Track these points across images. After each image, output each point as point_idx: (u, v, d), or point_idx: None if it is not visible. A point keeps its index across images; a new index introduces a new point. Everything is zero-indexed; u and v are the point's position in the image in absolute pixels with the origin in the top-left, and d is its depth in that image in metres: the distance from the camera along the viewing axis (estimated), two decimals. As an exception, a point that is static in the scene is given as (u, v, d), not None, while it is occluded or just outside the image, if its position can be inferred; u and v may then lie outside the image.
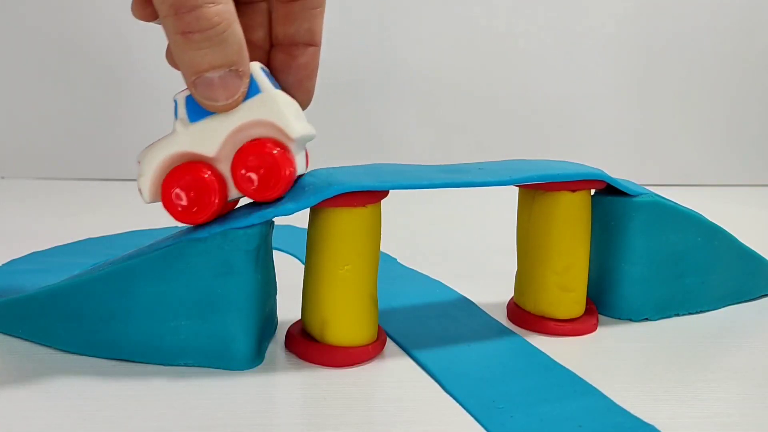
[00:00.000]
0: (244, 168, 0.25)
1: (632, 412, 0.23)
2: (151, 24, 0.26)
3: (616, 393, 0.24)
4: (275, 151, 0.24)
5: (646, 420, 0.23)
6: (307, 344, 0.27)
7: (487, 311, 0.33)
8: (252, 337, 0.26)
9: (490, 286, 0.35)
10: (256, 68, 0.25)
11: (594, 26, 0.77)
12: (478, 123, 0.77)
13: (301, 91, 0.29)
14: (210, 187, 0.25)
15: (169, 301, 0.25)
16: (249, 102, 0.25)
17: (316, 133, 0.27)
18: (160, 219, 0.47)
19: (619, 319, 0.32)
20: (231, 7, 0.23)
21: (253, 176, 0.25)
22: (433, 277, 0.38)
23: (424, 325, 0.31)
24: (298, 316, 0.28)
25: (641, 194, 0.31)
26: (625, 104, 0.79)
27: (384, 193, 0.26)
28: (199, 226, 0.25)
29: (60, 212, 0.56)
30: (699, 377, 0.26)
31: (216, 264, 0.24)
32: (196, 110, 0.25)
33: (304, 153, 0.26)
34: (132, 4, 0.25)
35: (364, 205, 0.26)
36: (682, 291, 0.32)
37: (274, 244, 0.28)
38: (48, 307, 0.26)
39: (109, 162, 0.73)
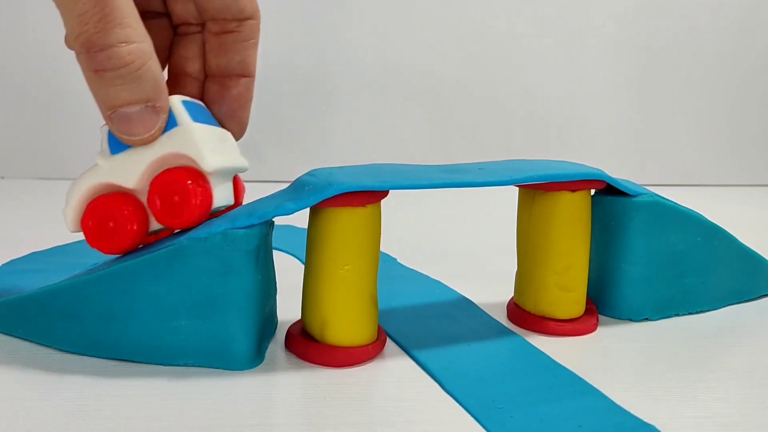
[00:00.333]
0: (156, 196, 0.25)
1: (632, 412, 0.23)
2: None
3: (616, 393, 0.24)
4: (189, 182, 0.25)
5: (646, 420, 0.23)
6: (307, 344, 0.27)
7: (487, 311, 0.33)
8: (252, 337, 0.26)
9: (490, 286, 0.35)
10: (176, 101, 0.25)
11: (594, 26, 0.77)
12: (478, 123, 0.77)
13: (234, 121, 0.29)
14: (126, 218, 0.26)
15: (169, 301, 0.25)
16: (167, 134, 0.25)
17: (248, 165, 0.28)
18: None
19: (619, 319, 0.32)
20: (146, 45, 0.23)
21: (162, 203, 0.25)
22: (433, 277, 0.38)
23: (424, 325, 0.31)
24: (298, 316, 0.28)
25: (641, 194, 0.31)
26: (625, 104, 0.79)
27: (384, 193, 0.26)
28: (199, 226, 0.25)
29: (60, 212, 0.56)
30: (699, 377, 0.26)
31: (216, 264, 0.24)
32: (117, 142, 0.25)
33: (229, 183, 0.27)
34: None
35: (364, 205, 0.26)
36: (682, 291, 0.32)
37: (274, 244, 0.28)
38: (48, 307, 0.26)
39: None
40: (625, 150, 0.79)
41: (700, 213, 0.32)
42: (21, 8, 0.72)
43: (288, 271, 0.31)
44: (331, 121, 0.75)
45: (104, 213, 0.26)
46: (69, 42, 0.24)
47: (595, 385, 0.25)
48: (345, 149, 0.75)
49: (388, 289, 0.34)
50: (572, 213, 0.29)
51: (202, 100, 0.29)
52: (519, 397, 0.24)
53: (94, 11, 0.22)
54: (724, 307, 0.34)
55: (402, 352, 0.28)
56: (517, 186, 0.30)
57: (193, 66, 0.29)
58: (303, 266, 0.27)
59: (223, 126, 0.29)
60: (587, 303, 0.32)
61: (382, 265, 0.29)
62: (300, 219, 0.28)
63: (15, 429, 0.21)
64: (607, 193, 0.32)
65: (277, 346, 0.28)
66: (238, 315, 0.25)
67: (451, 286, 0.36)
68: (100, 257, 0.31)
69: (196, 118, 0.26)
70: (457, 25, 0.75)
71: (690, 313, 0.33)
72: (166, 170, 0.25)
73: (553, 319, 0.30)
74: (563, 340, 0.30)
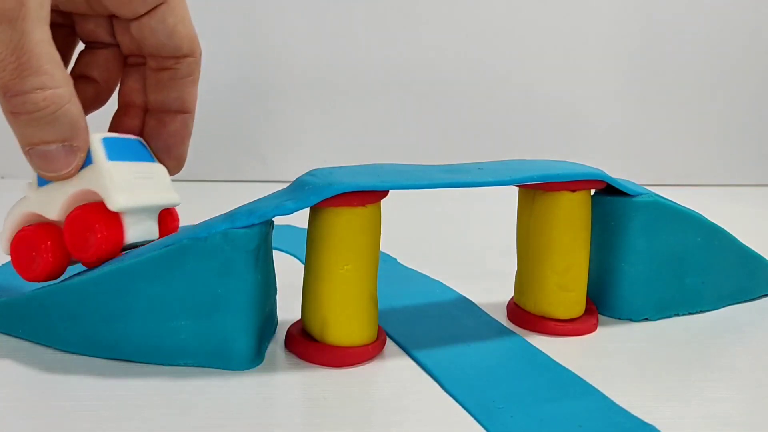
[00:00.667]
0: (67, 230, 0.26)
1: (632, 412, 0.23)
2: None
3: (616, 393, 0.24)
4: (93, 219, 0.26)
5: (646, 420, 0.23)
6: (307, 344, 0.27)
7: (487, 311, 0.33)
8: (252, 337, 0.26)
9: (490, 286, 0.35)
10: (95, 140, 0.26)
11: (594, 26, 0.77)
12: (478, 123, 0.77)
13: (170, 157, 0.30)
14: (46, 250, 0.27)
15: (169, 301, 0.25)
16: (83, 171, 0.26)
17: (178, 200, 0.29)
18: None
19: (619, 319, 0.32)
20: (63, 91, 0.24)
21: (71, 238, 0.26)
22: (433, 277, 0.38)
23: (424, 325, 0.31)
24: (298, 316, 0.28)
25: (641, 194, 0.31)
26: (625, 104, 0.79)
27: (384, 193, 0.26)
28: (199, 226, 0.25)
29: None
30: (699, 377, 0.26)
31: (216, 264, 0.24)
32: None
33: (150, 219, 0.28)
34: None
35: (363, 205, 0.26)
36: (682, 291, 0.32)
37: (274, 244, 0.28)
38: (48, 307, 0.26)
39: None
40: (625, 150, 0.79)
41: (700, 213, 0.32)
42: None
43: (288, 271, 0.31)
44: (331, 121, 0.74)
45: (27, 243, 0.27)
46: None
47: (595, 385, 0.25)
48: (345, 149, 0.75)
49: (388, 289, 0.34)
50: (572, 213, 0.29)
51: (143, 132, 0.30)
52: (519, 397, 0.24)
53: (11, 59, 0.23)
54: (724, 307, 0.34)
55: (402, 352, 0.28)
56: (517, 186, 0.30)
57: (139, 98, 0.30)
58: (303, 266, 0.27)
59: (160, 160, 0.29)
60: (587, 303, 0.32)
61: (382, 265, 0.29)
62: (300, 219, 0.28)
63: (15, 429, 0.21)
64: (607, 193, 0.32)
65: (277, 346, 0.28)
66: (238, 315, 0.25)
67: (451, 286, 0.36)
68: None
69: (117, 156, 0.27)
70: (458, 26, 0.75)
71: (690, 313, 0.33)
72: (78, 206, 0.26)
73: (553, 319, 0.30)
74: (563, 340, 0.30)
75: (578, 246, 0.30)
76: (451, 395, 0.24)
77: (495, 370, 0.26)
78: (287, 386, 0.25)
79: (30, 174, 0.27)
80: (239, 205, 0.26)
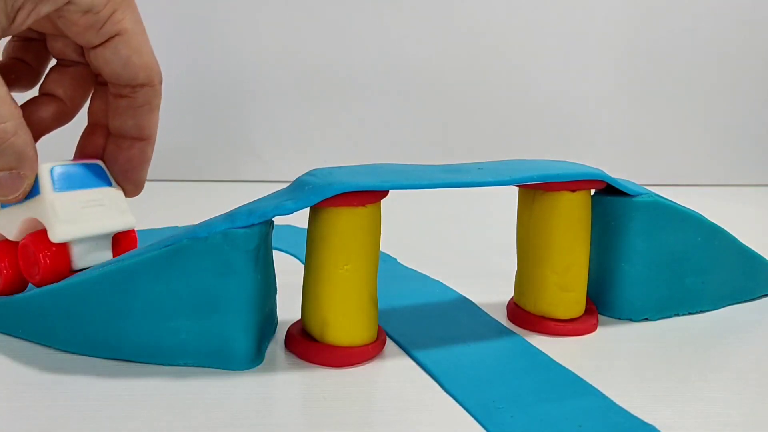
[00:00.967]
0: (19, 256, 0.28)
1: (632, 412, 0.23)
2: None
3: (616, 393, 0.24)
4: (37, 249, 0.27)
5: (646, 420, 0.23)
6: (307, 344, 0.27)
7: (487, 311, 0.33)
8: (252, 337, 0.26)
9: (490, 286, 0.35)
10: (44, 170, 0.27)
11: (594, 26, 0.77)
12: (478, 123, 0.77)
13: (127, 181, 0.30)
14: (2, 267, 0.28)
15: (169, 301, 0.25)
16: (31, 201, 0.27)
17: (130, 224, 0.30)
18: (161, 219, 0.47)
19: (619, 319, 0.32)
20: (8, 125, 0.25)
21: (22, 263, 0.28)
22: (433, 277, 0.38)
23: (424, 325, 0.31)
24: (298, 316, 0.28)
25: (641, 194, 0.31)
26: (624, 104, 0.79)
27: (384, 193, 0.26)
28: (199, 226, 0.25)
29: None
30: (699, 377, 0.26)
31: (216, 264, 0.24)
32: None
33: (101, 244, 0.29)
34: None
35: (363, 205, 0.26)
36: (682, 291, 0.32)
37: (274, 244, 0.28)
38: (48, 307, 0.26)
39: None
40: (625, 150, 0.79)
41: (700, 213, 0.32)
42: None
43: (288, 271, 0.31)
44: (331, 121, 0.74)
45: None
46: None
47: (595, 385, 0.25)
48: (345, 149, 0.75)
49: (388, 289, 0.34)
50: (572, 213, 0.29)
51: None
52: (519, 397, 0.24)
53: None
54: (724, 307, 0.34)
55: (402, 352, 0.28)
56: (517, 186, 0.30)
57: (105, 118, 0.30)
58: (303, 266, 0.27)
59: (118, 183, 0.30)
60: (587, 303, 0.32)
61: (382, 265, 0.29)
62: (300, 219, 0.28)
63: (15, 429, 0.21)
64: (607, 193, 0.32)
65: (277, 346, 0.28)
66: (238, 315, 0.25)
67: (451, 286, 0.36)
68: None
69: (66, 186, 0.28)
70: (458, 25, 0.75)
71: (690, 313, 0.33)
72: (29, 233, 0.28)
73: (553, 319, 0.30)
74: (563, 340, 0.30)
75: (578, 246, 0.30)
76: (451, 395, 0.24)
77: (495, 370, 0.26)
78: (287, 386, 0.25)
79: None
80: (239, 205, 0.26)
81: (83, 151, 0.30)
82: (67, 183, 0.28)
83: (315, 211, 0.26)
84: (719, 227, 0.33)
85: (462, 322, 0.31)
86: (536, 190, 0.30)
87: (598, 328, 0.31)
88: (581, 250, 0.30)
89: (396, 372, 0.26)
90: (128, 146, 0.30)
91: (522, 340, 0.29)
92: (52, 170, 0.28)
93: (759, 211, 0.66)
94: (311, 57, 0.73)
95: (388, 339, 0.29)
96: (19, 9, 0.24)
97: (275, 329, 0.29)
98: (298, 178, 0.27)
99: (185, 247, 0.24)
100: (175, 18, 0.69)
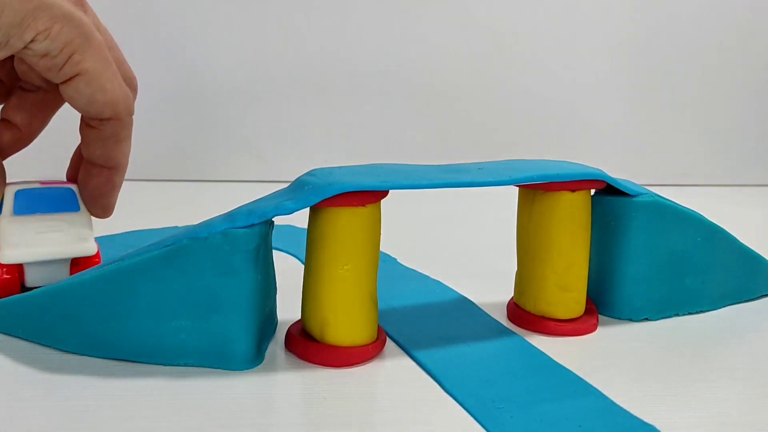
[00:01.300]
0: None
1: (632, 412, 0.23)
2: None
3: (616, 393, 0.24)
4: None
5: (646, 420, 0.23)
6: (307, 344, 0.27)
7: (487, 311, 0.33)
8: (252, 337, 0.26)
9: (490, 286, 0.35)
10: (9, 193, 0.29)
11: (594, 26, 0.77)
12: (478, 123, 0.77)
13: (95, 206, 0.31)
14: None
15: (169, 301, 0.25)
16: None
17: (89, 251, 0.31)
18: (161, 219, 0.47)
19: (619, 319, 0.32)
20: None
21: None
22: (433, 277, 0.38)
23: (424, 325, 0.31)
24: (298, 316, 0.28)
25: (641, 194, 0.31)
26: (624, 104, 0.79)
27: (384, 193, 0.26)
28: (199, 226, 0.25)
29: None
30: (699, 377, 0.26)
31: (216, 264, 0.24)
32: None
33: (57, 267, 0.30)
34: None
35: (363, 205, 0.26)
36: (682, 291, 0.32)
37: (274, 244, 0.28)
38: (48, 307, 0.26)
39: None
40: (625, 150, 0.79)
41: (700, 213, 0.32)
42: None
43: (288, 271, 0.31)
44: (331, 121, 0.74)
45: None
46: None
47: (595, 385, 0.25)
48: (345, 149, 0.75)
49: (388, 289, 0.34)
50: (572, 213, 0.29)
51: None
52: (519, 397, 0.24)
53: None
54: (724, 307, 0.34)
55: (402, 352, 0.28)
56: (517, 186, 0.30)
57: None
58: (303, 266, 0.27)
59: (87, 207, 0.32)
60: (587, 303, 0.32)
61: (382, 265, 0.29)
62: (300, 219, 0.28)
63: (15, 429, 0.21)
64: (607, 193, 0.32)
65: (277, 346, 0.28)
66: (238, 315, 0.25)
67: (451, 286, 0.36)
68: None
69: (28, 210, 0.30)
70: (458, 25, 0.75)
71: (690, 313, 0.33)
72: None
73: (553, 319, 0.30)
74: (563, 340, 0.30)
75: (578, 246, 0.30)
76: (451, 395, 0.24)
77: (495, 370, 0.26)
78: (287, 386, 0.25)
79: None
80: (239, 205, 0.26)
81: (72, 167, 0.32)
82: (32, 206, 0.30)
83: (315, 211, 0.26)
84: (719, 227, 0.33)
85: (462, 322, 0.31)
86: (536, 190, 0.30)
87: (598, 328, 0.31)
88: (581, 250, 0.30)
89: (396, 372, 0.26)
90: (97, 173, 0.31)
91: (522, 340, 0.29)
92: (16, 193, 0.30)
93: (759, 211, 0.66)
94: (311, 57, 0.73)
95: (388, 339, 0.29)
96: None
97: (275, 329, 0.29)
98: (298, 178, 0.27)
99: (185, 247, 0.24)
100: (175, 18, 0.69)
